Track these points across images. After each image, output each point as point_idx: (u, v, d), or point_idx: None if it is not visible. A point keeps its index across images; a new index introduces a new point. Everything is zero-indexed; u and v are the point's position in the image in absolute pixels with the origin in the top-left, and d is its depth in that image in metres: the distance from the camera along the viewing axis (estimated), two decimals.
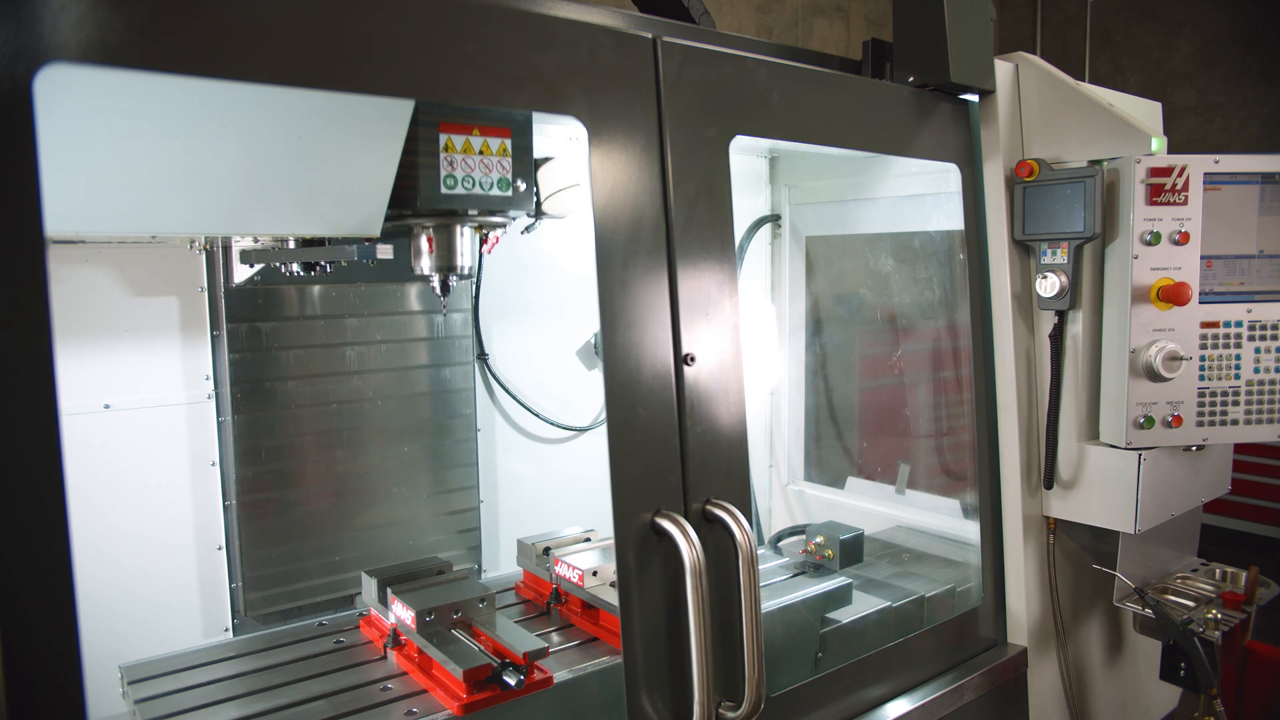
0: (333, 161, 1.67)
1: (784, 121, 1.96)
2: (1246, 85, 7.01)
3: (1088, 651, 2.56)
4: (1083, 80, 2.42)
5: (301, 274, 2.04)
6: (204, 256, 2.14)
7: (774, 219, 3.16)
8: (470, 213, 1.93)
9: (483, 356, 2.59)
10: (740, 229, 3.08)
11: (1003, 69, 2.33)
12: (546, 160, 2.33)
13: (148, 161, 1.48)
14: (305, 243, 1.93)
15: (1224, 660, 2.33)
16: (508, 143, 1.92)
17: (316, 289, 2.30)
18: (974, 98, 2.34)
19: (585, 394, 2.82)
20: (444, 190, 1.81)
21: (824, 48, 7.01)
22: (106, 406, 2.03)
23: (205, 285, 2.14)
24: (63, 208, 1.49)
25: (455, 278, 2.02)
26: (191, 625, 2.16)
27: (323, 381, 2.31)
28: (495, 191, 1.93)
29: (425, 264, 1.99)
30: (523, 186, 1.97)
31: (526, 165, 1.99)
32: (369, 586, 2.14)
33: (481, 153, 1.86)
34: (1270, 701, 2.60)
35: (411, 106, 1.66)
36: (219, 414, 2.18)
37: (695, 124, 1.74)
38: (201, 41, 1.20)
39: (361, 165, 1.70)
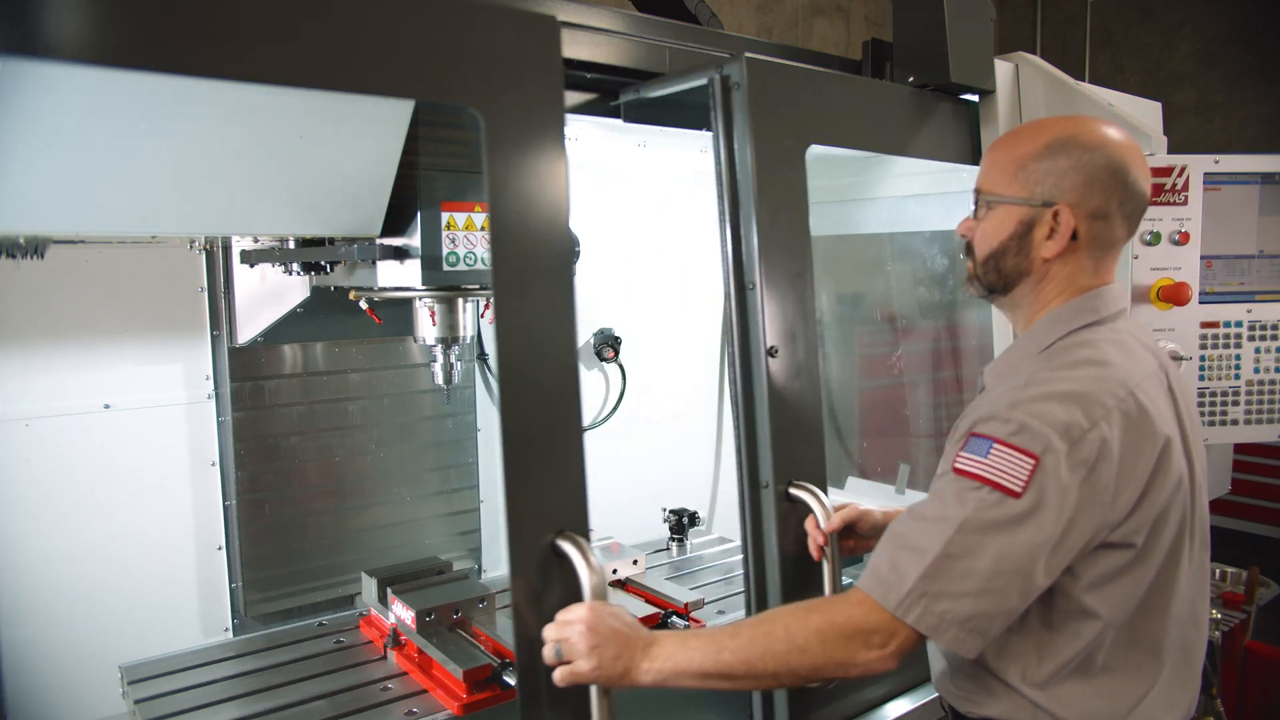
0: (333, 161, 1.67)
1: (844, 130, 2.07)
2: (1246, 85, 7.01)
3: None
4: (1083, 80, 2.42)
5: (301, 273, 2.04)
6: (204, 256, 2.14)
7: None
8: (471, 287, 1.94)
9: (483, 357, 2.59)
10: None
11: (1003, 69, 2.33)
12: None
13: (147, 161, 1.48)
14: (305, 243, 1.94)
15: (1224, 660, 2.33)
16: None
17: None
18: (974, 98, 2.33)
19: (585, 394, 2.81)
20: (446, 268, 1.83)
21: (824, 48, 7.01)
22: (106, 406, 2.03)
23: (205, 285, 2.14)
24: (63, 207, 1.49)
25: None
26: (191, 625, 2.16)
27: (324, 379, 2.31)
28: None
29: (427, 334, 2.01)
30: None
31: None
32: (369, 586, 2.14)
33: (483, 229, 1.87)
34: (1270, 701, 2.60)
35: (411, 106, 1.66)
36: (219, 414, 2.17)
37: (775, 135, 1.83)
38: (197, 41, 1.20)
39: (361, 165, 1.70)
